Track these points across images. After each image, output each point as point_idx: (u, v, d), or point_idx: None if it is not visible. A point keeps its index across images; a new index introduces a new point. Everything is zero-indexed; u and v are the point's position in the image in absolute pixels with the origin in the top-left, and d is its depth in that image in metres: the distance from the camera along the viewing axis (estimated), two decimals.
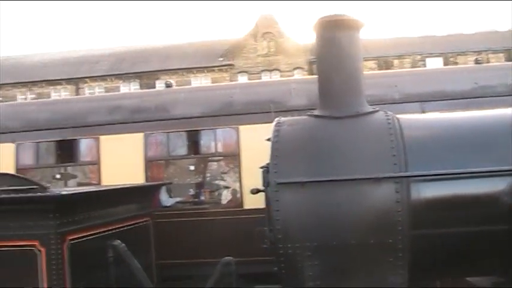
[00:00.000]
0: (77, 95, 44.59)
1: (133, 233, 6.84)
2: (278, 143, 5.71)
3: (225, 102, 9.80)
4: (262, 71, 46.65)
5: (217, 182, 10.32)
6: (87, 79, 48.64)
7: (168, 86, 11.61)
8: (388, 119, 5.78)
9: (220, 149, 9.94)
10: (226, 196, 10.07)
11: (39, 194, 6.29)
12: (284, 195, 5.44)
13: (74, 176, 10.67)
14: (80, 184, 10.43)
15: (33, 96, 46.28)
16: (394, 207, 5.29)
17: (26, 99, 45.03)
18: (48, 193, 5.91)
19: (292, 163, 5.63)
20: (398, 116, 5.99)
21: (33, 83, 48.66)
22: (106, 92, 41.78)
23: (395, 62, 44.55)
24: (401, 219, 5.27)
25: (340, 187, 5.44)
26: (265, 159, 5.79)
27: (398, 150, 5.50)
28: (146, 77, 46.63)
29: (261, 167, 5.84)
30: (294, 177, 5.47)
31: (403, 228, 5.28)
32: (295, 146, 5.77)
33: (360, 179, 5.37)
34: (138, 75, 47.47)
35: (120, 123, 9.86)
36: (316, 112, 6.17)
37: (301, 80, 13.68)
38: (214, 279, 6.30)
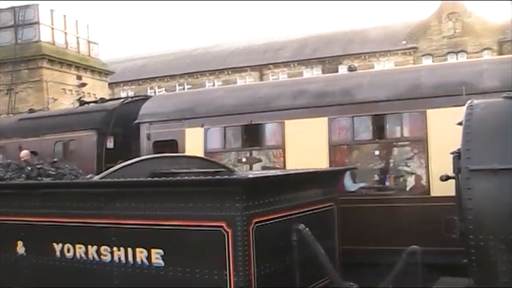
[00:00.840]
0: (260, 81, 45.82)
1: (317, 217, 6.81)
2: (470, 127, 5.35)
3: (411, 86, 9.42)
4: (448, 53, 44.64)
5: (402, 167, 9.98)
6: (270, 66, 49.84)
7: (352, 70, 11.45)
8: None
9: (406, 134, 9.57)
10: (412, 182, 9.72)
11: (227, 176, 6.51)
12: (477, 183, 5.10)
13: (259, 160, 10.90)
14: (264, 168, 10.65)
15: (220, 83, 48.40)
16: None
17: (213, 85, 47.25)
18: (236, 176, 6.05)
19: (486, 149, 5.26)
20: None
21: (220, 70, 50.88)
22: (289, 78, 42.44)
23: None
24: None
25: None
26: (455, 145, 5.48)
27: None
28: (328, 62, 46.78)
29: (452, 153, 5.53)
30: (488, 164, 5.10)
31: None
32: (489, 131, 5.38)
33: None
34: (320, 61, 47.73)
35: (305, 107, 9.88)
36: None
37: (493, 61, 12.88)
38: (399, 268, 6.10)
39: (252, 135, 10.56)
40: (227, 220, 5.36)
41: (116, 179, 6.32)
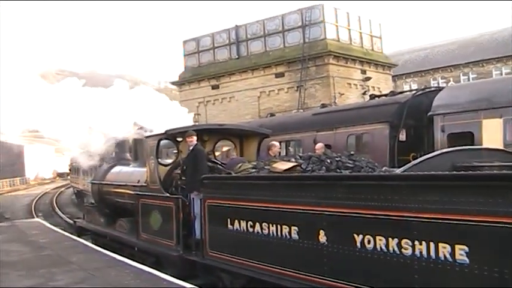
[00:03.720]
0: None
1: None
2: None
3: None
4: None
5: None
6: None
7: None
8: None
9: None
10: None
11: None
12: None
13: None
14: None
15: (508, 71, 45.46)
16: None
17: (500, 74, 44.62)
18: None
19: None
20: None
21: (508, 57, 47.52)
22: None
23: None
24: None
25: None
26: None
27: None
28: None
29: None
30: None
31: None
32: None
33: None
34: None
35: None
36: None
37: None
38: None
39: None
40: None
41: (420, 172, 6.23)
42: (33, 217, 29.94)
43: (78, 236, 16.48)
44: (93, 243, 15.07)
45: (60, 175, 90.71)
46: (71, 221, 24.80)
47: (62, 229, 19.87)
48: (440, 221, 5.70)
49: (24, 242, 15.26)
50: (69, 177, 55.81)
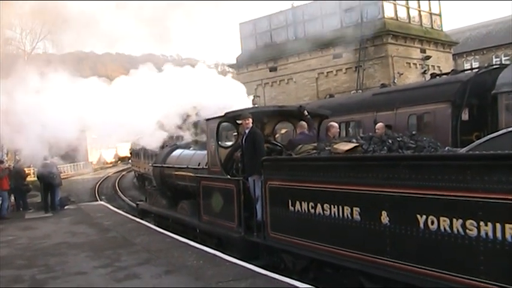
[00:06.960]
0: None
1: None
2: None
3: None
4: None
5: None
6: None
7: None
8: None
9: None
10: None
11: None
12: None
13: None
14: None
15: None
16: None
17: None
18: None
19: None
20: None
21: None
22: None
23: None
24: None
25: None
26: None
27: None
28: None
29: None
30: None
31: None
32: None
33: None
34: None
35: None
36: None
37: None
38: None
39: None
40: None
41: (485, 152, 6.09)
42: (97, 200, 30.71)
43: (141, 219, 16.83)
44: (155, 225, 15.37)
45: (122, 159, 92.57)
46: (134, 204, 25.35)
47: (125, 211, 20.37)
48: (507, 201, 5.56)
49: (90, 224, 15.74)
50: (130, 161, 56.95)
